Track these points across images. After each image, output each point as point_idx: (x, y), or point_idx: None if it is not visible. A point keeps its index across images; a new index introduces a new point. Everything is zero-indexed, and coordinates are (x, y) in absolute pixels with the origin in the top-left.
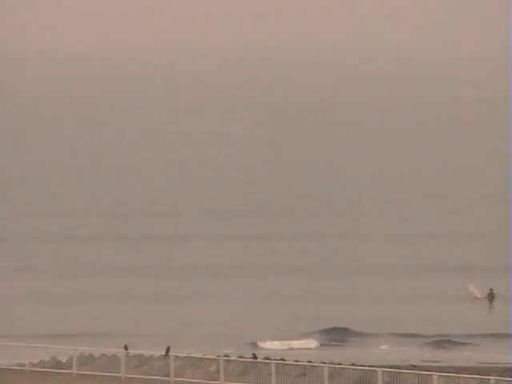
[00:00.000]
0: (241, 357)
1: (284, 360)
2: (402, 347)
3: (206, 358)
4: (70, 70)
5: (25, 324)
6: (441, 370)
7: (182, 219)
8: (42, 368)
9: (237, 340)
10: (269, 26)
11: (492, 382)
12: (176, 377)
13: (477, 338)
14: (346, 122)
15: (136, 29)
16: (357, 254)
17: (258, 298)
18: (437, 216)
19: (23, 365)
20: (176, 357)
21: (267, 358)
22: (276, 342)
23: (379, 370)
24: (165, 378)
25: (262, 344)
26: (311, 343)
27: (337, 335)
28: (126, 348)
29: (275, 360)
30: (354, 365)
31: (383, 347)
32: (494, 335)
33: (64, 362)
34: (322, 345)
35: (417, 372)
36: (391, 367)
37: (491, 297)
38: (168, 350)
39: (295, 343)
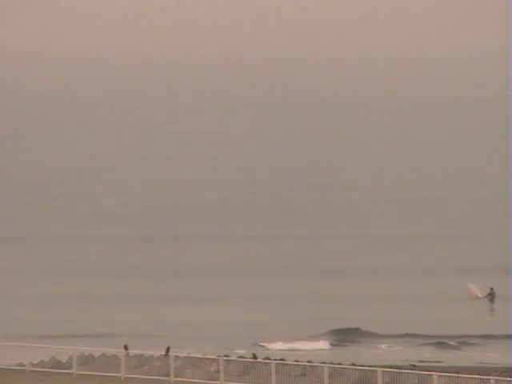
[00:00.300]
0: (241, 357)
1: (284, 360)
2: (402, 347)
3: (206, 358)
4: (69, 70)
5: (25, 324)
6: (441, 370)
7: (182, 219)
8: (42, 368)
9: (246, 341)
10: (269, 26)
11: (492, 382)
12: (176, 377)
13: (477, 338)
14: (346, 121)
15: (136, 29)
16: (357, 255)
17: (258, 298)
18: (437, 216)
19: (23, 365)
20: (176, 357)
21: (267, 358)
22: (287, 344)
23: (379, 370)
24: (165, 378)
25: (271, 345)
26: (324, 344)
27: (341, 336)
28: (126, 348)
29: (275, 360)
30: (354, 365)
31: (383, 346)
32: (494, 335)
33: (64, 362)
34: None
35: (417, 372)
36: (391, 367)
37: (492, 296)
38: (168, 349)
39: (309, 345)
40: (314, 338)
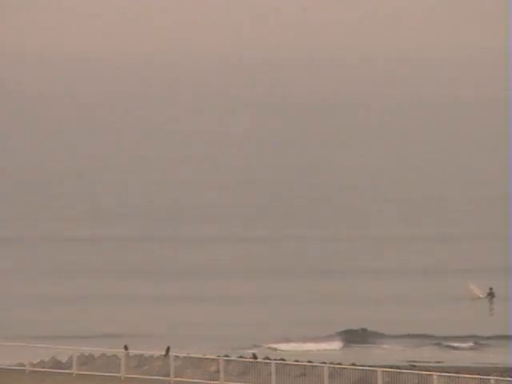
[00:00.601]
0: (241, 357)
1: (284, 360)
2: (402, 347)
3: (206, 358)
4: (69, 69)
5: (25, 324)
6: (441, 370)
7: (182, 219)
8: (42, 368)
9: (246, 341)
10: (269, 26)
11: (492, 382)
12: (176, 377)
13: (477, 338)
14: (346, 121)
15: (136, 29)
16: (357, 255)
17: (258, 298)
18: (437, 216)
19: (23, 365)
20: (176, 357)
21: (267, 358)
22: (298, 344)
23: (379, 370)
24: (165, 378)
25: (282, 346)
26: (336, 345)
27: (343, 336)
28: (126, 348)
29: (275, 360)
30: (353, 365)
31: (386, 347)
32: (494, 335)
33: (64, 362)
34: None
35: (417, 372)
36: (391, 367)
37: (491, 296)
38: (168, 349)
39: (322, 345)
40: (314, 338)
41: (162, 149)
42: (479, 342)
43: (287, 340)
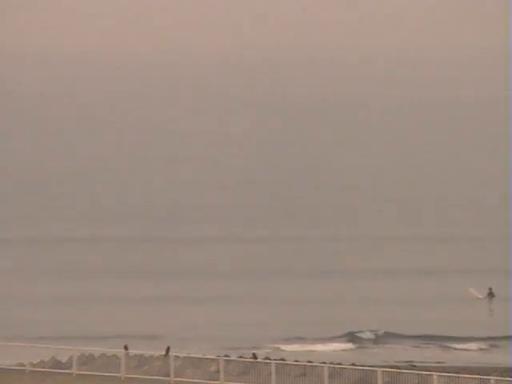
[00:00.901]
0: (241, 357)
1: (284, 360)
2: (402, 347)
3: (206, 358)
4: (70, 69)
5: (25, 324)
6: (441, 370)
7: (182, 219)
8: (42, 368)
9: (245, 342)
10: (269, 26)
11: (492, 382)
12: (176, 377)
13: (477, 338)
14: (346, 121)
15: (136, 29)
16: (357, 255)
17: (258, 299)
18: (437, 216)
19: (23, 365)
20: (176, 357)
21: (267, 358)
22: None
23: (379, 370)
24: (165, 378)
25: (284, 346)
26: (347, 345)
27: (345, 337)
28: (126, 348)
29: (275, 360)
30: (353, 365)
31: (385, 346)
32: (494, 336)
33: (64, 362)
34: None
35: (417, 372)
36: (391, 367)
37: (491, 296)
38: (168, 349)
39: (335, 345)
40: (314, 339)
41: (162, 149)
42: (479, 342)
43: (287, 340)
